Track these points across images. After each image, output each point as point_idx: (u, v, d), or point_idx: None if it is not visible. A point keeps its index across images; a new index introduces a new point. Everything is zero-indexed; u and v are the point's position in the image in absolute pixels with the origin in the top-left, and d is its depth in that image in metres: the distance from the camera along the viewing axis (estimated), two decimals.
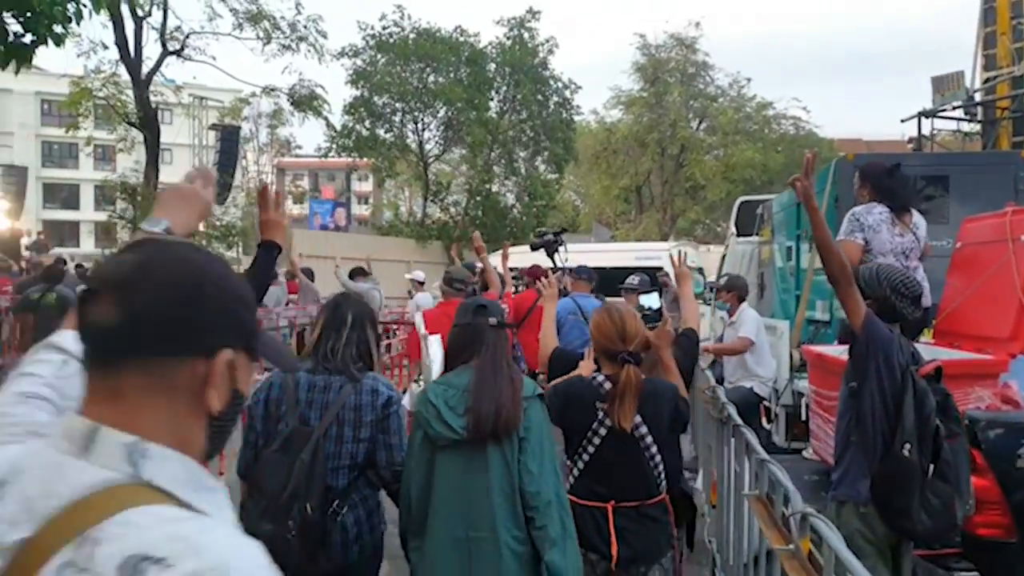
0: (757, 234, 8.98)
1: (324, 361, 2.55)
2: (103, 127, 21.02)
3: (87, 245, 39.79)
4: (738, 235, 9.72)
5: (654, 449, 2.73)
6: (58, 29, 7.70)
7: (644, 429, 2.71)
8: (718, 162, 33.61)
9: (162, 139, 36.38)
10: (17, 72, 7.88)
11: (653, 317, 3.55)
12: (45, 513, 0.78)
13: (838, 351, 4.15)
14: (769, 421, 6.09)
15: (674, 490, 3.04)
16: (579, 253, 13.12)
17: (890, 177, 4.46)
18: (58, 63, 16.90)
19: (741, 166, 32.00)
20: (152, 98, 16.75)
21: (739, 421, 3.27)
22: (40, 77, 41.67)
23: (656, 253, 13.83)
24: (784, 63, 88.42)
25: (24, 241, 20.35)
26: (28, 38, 7.64)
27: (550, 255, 7.34)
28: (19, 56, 7.61)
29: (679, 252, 4.38)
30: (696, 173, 33.46)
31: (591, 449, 2.73)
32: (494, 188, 26.12)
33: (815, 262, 6.17)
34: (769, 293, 8.34)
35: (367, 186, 40.53)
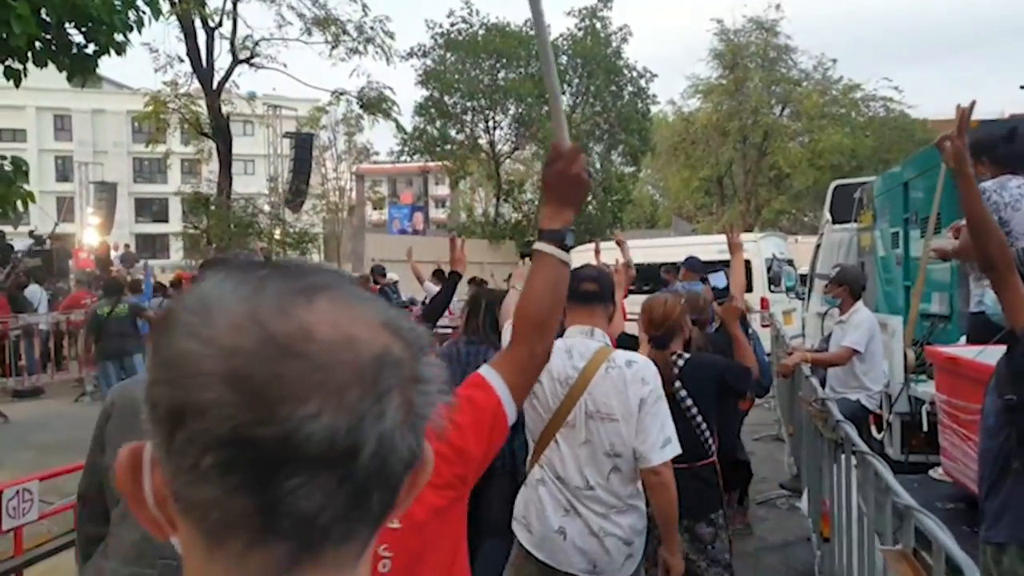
0: (855, 220, 8.13)
1: (474, 334, 3.47)
2: (185, 141, 21.53)
3: (176, 256, 41.26)
4: (833, 222, 8.85)
5: (699, 418, 3.09)
6: (119, 38, 7.66)
7: (690, 401, 3.08)
8: (803, 148, 32.12)
9: (244, 150, 37.32)
10: (83, 84, 7.88)
11: (721, 294, 4.01)
12: (587, 356, 2.53)
13: (973, 352, 3.46)
14: (880, 430, 5.34)
15: (729, 456, 3.45)
16: (660, 247, 12.48)
17: (1009, 143, 3.74)
18: (148, 82, 17.30)
19: (828, 152, 30.49)
20: (224, 108, 16.91)
21: (862, 446, 2.65)
22: (132, 96, 43.52)
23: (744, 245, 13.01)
24: (872, 41, 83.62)
25: (112, 255, 21.12)
26: (91, 48, 7.63)
27: None
28: (83, 67, 7.60)
29: (732, 225, 5.15)
30: (780, 161, 32.06)
31: None
32: None
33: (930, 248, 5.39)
34: (871, 285, 7.49)
35: (445, 189, 40.67)
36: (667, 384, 3.00)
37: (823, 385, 5.12)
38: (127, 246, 27.76)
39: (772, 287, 12.37)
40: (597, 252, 6.45)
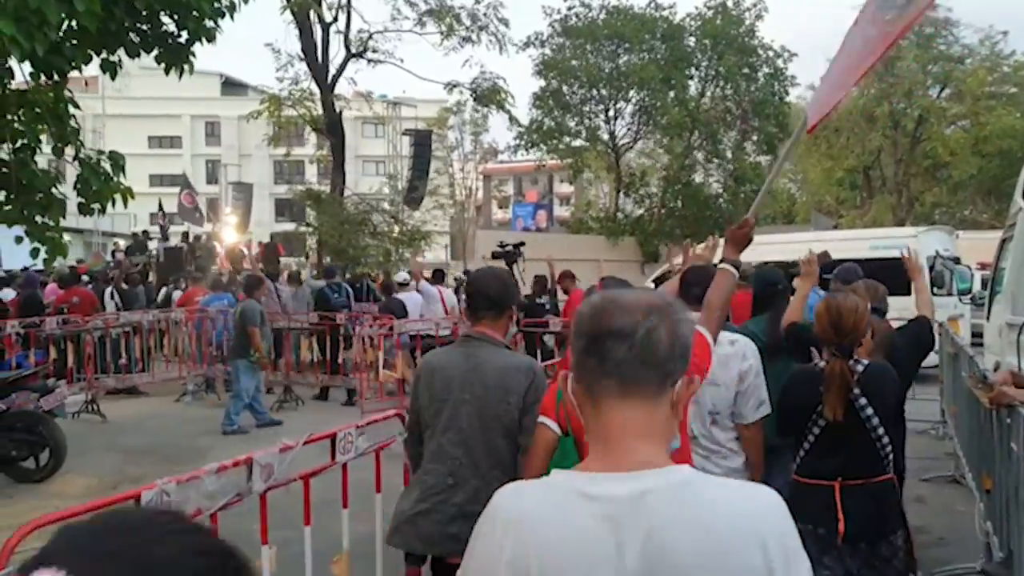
0: None
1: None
2: (306, 142, 21.77)
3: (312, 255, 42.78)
4: None
5: (880, 430, 2.87)
6: (209, 24, 7.32)
7: (870, 411, 2.87)
8: (966, 134, 28.71)
9: (374, 152, 37.80)
10: (180, 76, 7.58)
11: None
12: None
13: None
14: None
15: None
16: (801, 243, 10.97)
17: None
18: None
19: (996, 136, 27.04)
20: (337, 104, 16.72)
21: None
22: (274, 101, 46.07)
23: (899, 241, 11.23)
24: None
25: (245, 253, 21.70)
26: (184, 38, 7.34)
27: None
28: (177, 57, 7.31)
29: (908, 249, 4.57)
30: (938, 148, 28.84)
31: (816, 431, 2.92)
32: (696, 177, 23.75)
33: None
34: None
35: (569, 187, 40.20)
36: (847, 392, 2.86)
37: None
38: (261, 244, 28.63)
39: (935, 289, 10.51)
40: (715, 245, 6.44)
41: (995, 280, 8.19)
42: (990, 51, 29.24)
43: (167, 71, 7.31)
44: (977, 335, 9.75)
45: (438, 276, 12.15)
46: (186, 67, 7.39)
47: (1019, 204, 7.19)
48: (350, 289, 11.68)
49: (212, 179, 47.64)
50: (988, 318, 8.28)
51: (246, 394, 8.58)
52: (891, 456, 2.95)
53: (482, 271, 2.97)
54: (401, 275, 12.32)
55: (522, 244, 9.26)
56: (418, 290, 11.00)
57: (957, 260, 11.78)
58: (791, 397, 3.05)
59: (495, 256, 9.18)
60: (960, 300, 10.68)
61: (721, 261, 2.68)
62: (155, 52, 7.16)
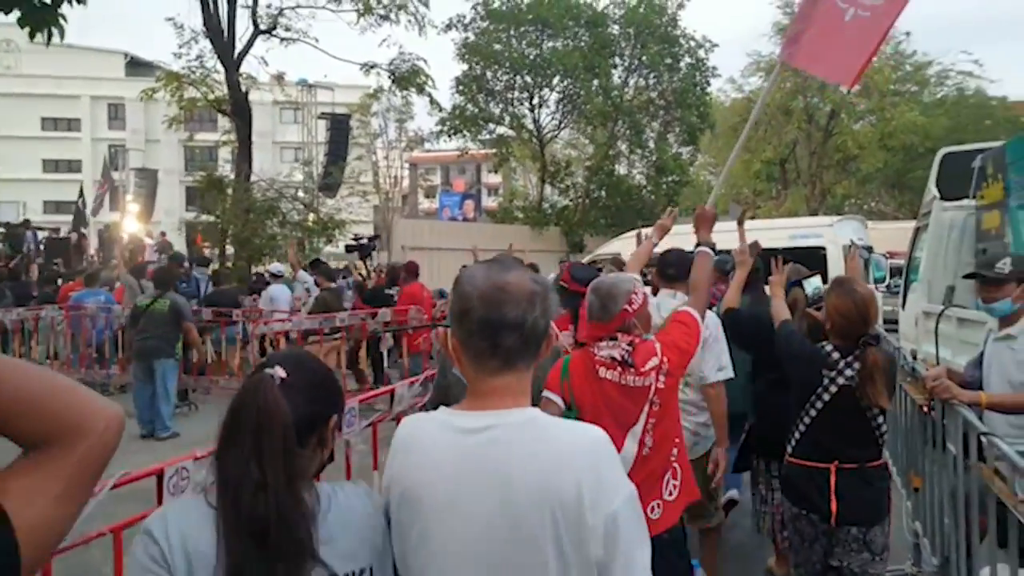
0: (974, 197, 6.43)
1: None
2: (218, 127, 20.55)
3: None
4: (942, 198, 7.13)
5: (880, 419, 2.88)
6: None
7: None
8: (873, 129, 29.72)
9: (289, 138, 36.22)
10: (48, 41, 6.84)
11: (815, 300, 3.85)
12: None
13: None
14: None
15: None
16: (724, 232, 10.92)
17: None
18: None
19: (900, 131, 28.07)
20: (243, 84, 15.71)
21: None
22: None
23: (816, 231, 11.28)
24: (952, 13, 76.87)
25: (149, 242, 20.44)
26: None
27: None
28: (40, 19, 6.57)
29: (851, 244, 4.78)
30: (848, 142, 29.75)
31: (812, 412, 2.89)
32: (620, 168, 23.71)
33: None
34: None
35: (498, 178, 39.73)
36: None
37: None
38: (163, 234, 27.05)
39: None
40: (639, 238, 6.07)
41: (910, 269, 8.24)
42: (895, 50, 30.30)
43: (31, 36, 6.60)
44: (889, 322, 9.89)
45: (315, 265, 11.52)
46: (56, 32, 6.69)
47: (933, 192, 7.19)
48: (203, 279, 10.71)
49: (116, 165, 45.17)
50: (903, 306, 8.33)
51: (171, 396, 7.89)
52: (883, 440, 2.93)
53: (505, 256, 3.17)
54: (275, 266, 11.79)
55: (376, 237, 9.67)
56: (295, 279, 10.47)
57: (870, 249, 11.95)
58: (799, 366, 2.99)
59: (349, 249, 9.34)
60: (876, 288, 10.81)
61: (697, 245, 2.97)
62: (15, 14, 6.43)
